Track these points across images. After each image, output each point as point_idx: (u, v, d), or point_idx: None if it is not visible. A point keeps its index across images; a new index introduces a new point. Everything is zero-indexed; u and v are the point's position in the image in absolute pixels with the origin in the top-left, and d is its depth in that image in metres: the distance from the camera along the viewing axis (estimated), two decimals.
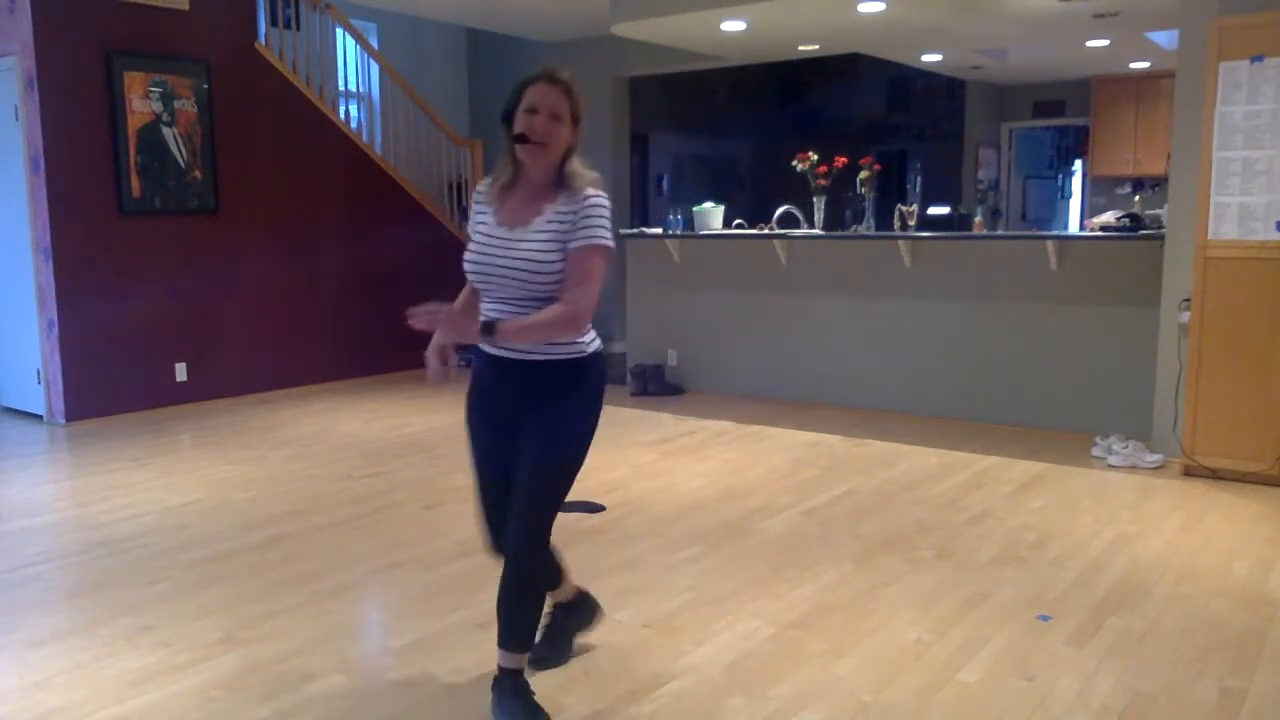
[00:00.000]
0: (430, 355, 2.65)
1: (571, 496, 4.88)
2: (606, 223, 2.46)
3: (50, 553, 3.92)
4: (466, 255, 2.54)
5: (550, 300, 2.43)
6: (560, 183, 2.46)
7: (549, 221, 2.43)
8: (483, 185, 2.60)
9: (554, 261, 2.42)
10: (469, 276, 2.56)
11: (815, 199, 6.78)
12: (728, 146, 12.52)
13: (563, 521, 4.21)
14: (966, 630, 3.11)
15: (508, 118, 2.45)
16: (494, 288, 2.49)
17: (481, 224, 2.54)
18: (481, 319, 2.47)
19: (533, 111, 2.41)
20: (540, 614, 2.63)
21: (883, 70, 10.75)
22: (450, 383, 2.64)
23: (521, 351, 2.50)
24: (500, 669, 2.57)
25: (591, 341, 2.57)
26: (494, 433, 2.61)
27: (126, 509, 4.49)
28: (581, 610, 2.95)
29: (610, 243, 2.47)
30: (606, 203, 2.47)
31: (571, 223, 2.42)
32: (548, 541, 2.61)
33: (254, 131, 7.13)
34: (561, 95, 2.43)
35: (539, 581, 2.63)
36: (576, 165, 2.48)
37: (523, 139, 2.42)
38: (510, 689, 2.55)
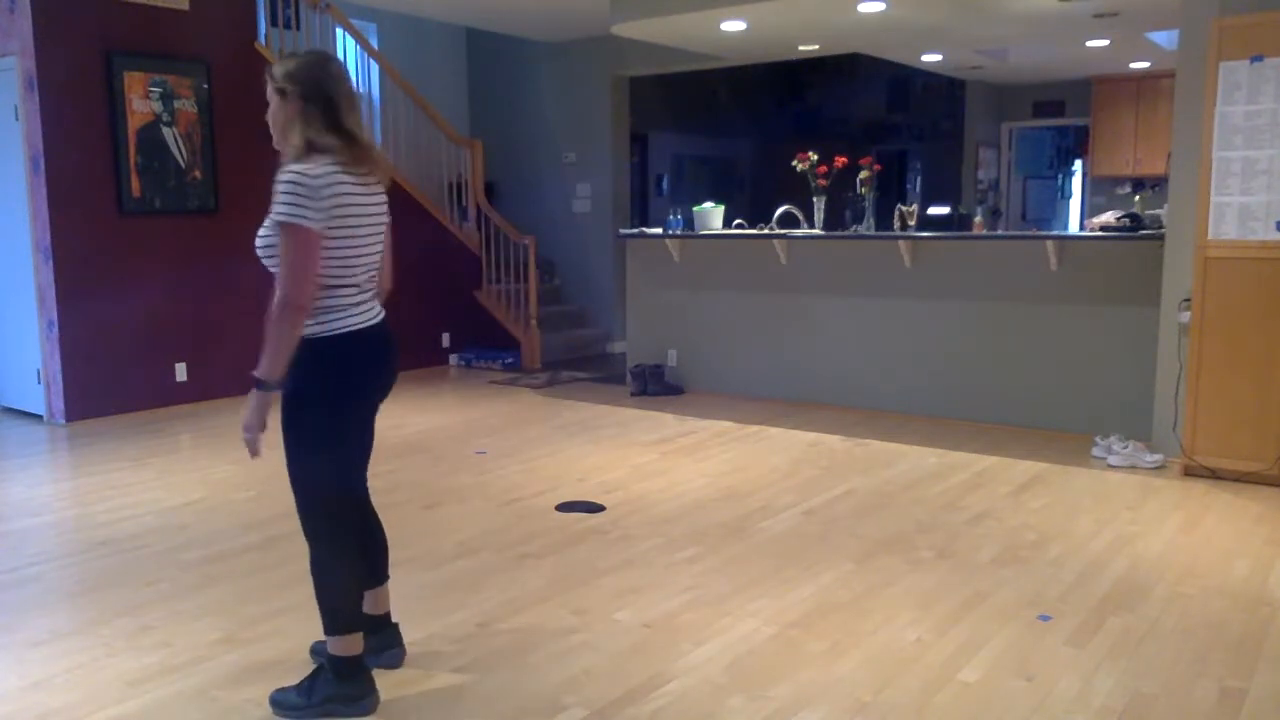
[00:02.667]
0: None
1: (572, 496, 4.89)
2: (287, 198, 2.40)
3: (50, 553, 3.92)
4: None
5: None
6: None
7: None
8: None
9: (271, 242, 2.47)
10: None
11: (815, 199, 6.78)
12: (728, 146, 12.52)
13: (563, 521, 4.23)
14: (966, 630, 3.11)
15: None
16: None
17: None
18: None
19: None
20: (336, 601, 2.63)
21: (883, 70, 10.75)
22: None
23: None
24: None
25: (311, 325, 2.50)
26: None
27: (126, 509, 4.49)
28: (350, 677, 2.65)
29: (292, 219, 2.40)
30: (297, 179, 2.41)
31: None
32: (321, 527, 2.66)
33: (254, 131, 7.05)
34: (268, 79, 2.54)
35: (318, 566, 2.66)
36: (295, 140, 2.49)
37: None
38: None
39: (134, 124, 6.42)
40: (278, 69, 2.53)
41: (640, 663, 2.90)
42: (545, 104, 9.67)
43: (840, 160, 6.82)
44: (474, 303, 8.85)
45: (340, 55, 8.24)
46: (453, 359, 8.68)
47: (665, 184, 11.59)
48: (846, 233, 6.74)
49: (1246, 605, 3.31)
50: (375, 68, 8.32)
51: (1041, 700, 2.67)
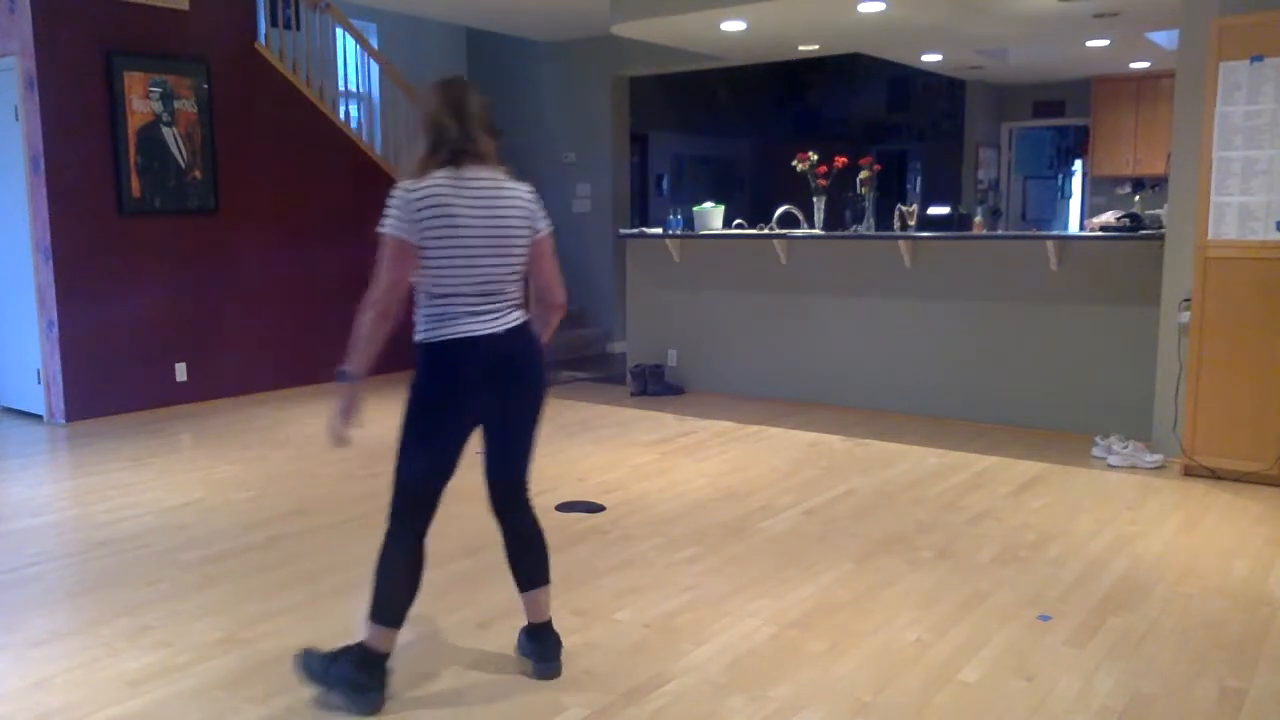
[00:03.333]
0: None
1: (572, 496, 4.88)
2: (388, 210, 2.58)
3: (50, 553, 3.92)
4: None
5: (417, 294, 2.67)
6: None
7: None
8: None
9: None
10: None
11: (815, 199, 6.78)
12: (728, 146, 12.52)
13: (563, 521, 4.23)
14: (966, 630, 3.11)
15: None
16: None
17: None
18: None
19: None
20: (389, 589, 2.68)
21: (883, 70, 10.77)
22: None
23: None
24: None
25: (419, 332, 2.67)
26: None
27: (126, 509, 4.49)
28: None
29: (381, 229, 2.58)
30: (396, 193, 2.60)
31: None
32: (393, 511, 2.72)
33: (254, 131, 7.13)
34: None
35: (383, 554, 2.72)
36: (407, 166, 2.67)
37: None
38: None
39: (134, 124, 6.42)
40: (417, 105, 2.75)
41: (640, 663, 2.90)
42: (545, 104, 9.67)
43: (840, 160, 6.82)
44: None
45: (340, 55, 8.25)
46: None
47: (665, 184, 11.59)
48: (846, 233, 6.74)
49: (1246, 605, 3.31)
50: (375, 68, 8.32)
51: (1041, 700, 2.67)
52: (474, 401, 2.69)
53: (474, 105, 2.71)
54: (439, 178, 2.57)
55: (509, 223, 2.65)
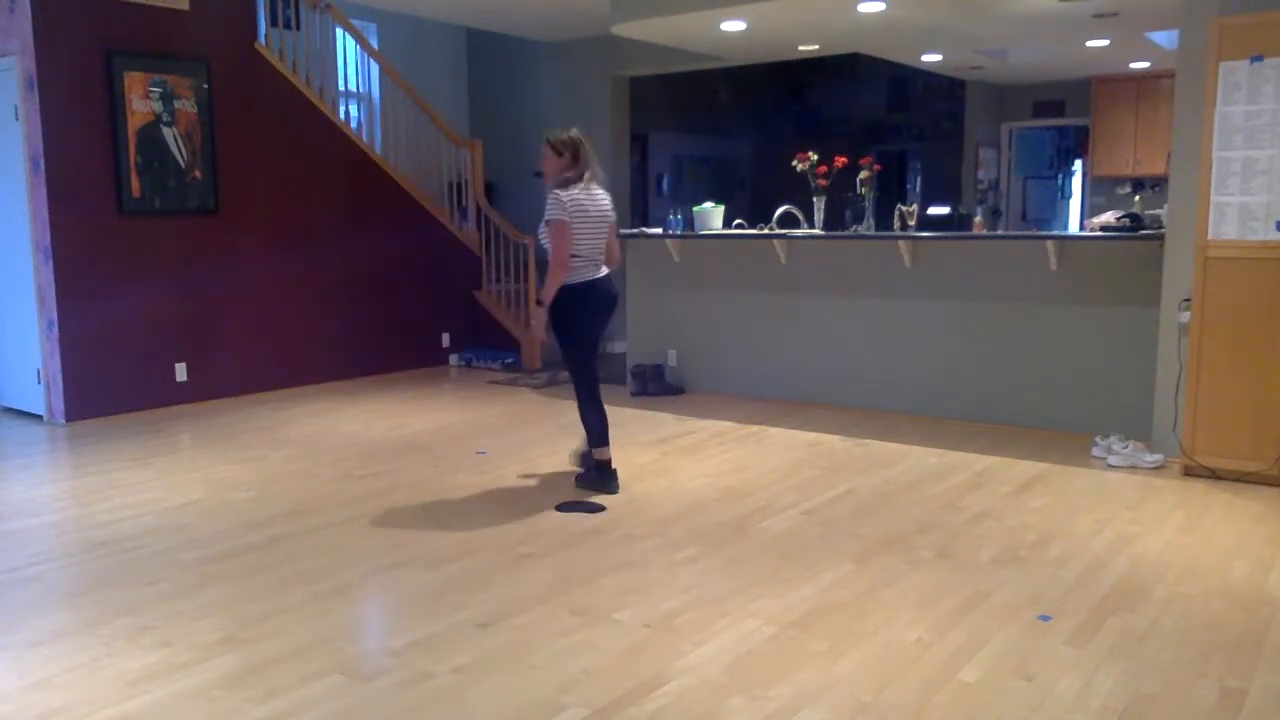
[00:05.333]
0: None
1: (572, 496, 4.90)
2: (549, 206, 4.50)
3: (50, 553, 3.92)
4: None
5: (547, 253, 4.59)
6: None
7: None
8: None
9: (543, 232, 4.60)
10: None
11: (815, 199, 6.78)
12: (728, 146, 12.52)
13: (563, 521, 4.24)
14: (966, 630, 3.11)
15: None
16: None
17: None
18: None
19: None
20: (595, 423, 4.71)
21: (883, 70, 10.76)
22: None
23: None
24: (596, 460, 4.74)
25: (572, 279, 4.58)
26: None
27: (126, 509, 4.49)
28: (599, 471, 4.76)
29: (552, 216, 4.48)
30: (553, 195, 4.50)
31: None
32: (580, 381, 4.75)
33: (254, 131, 7.13)
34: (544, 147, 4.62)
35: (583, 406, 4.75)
36: (562, 178, 4.55)
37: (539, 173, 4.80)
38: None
39: (134, 124, 6.42)
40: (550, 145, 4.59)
41: (640, 663, 2.90)
42: (545, 104, 9.67)
43: (840, 160, 6.82)
44: (474, 303, 8.85)
45: (340, 55, 8.25)
46: (453, 359, 8.68)
47: (665, 184, 11.59)
48: (846, 233, 6.73)
49: (1246, 605, 3.31)
50: (375, 68, 8.32)
51: (1041, 700, 2.67)
52: (596, 315, 4.67)
53: (590, 146, 4.60)
54: (575, 189, 4.50)
55: (604, 214, 4.63)
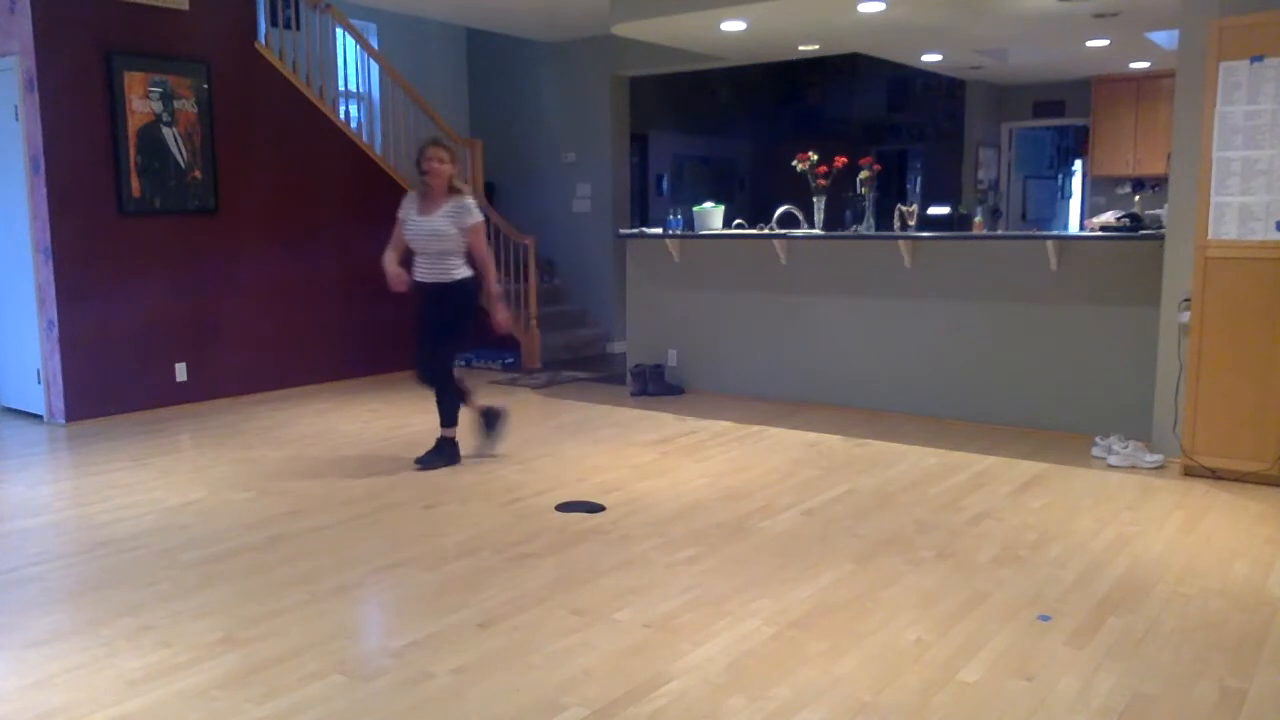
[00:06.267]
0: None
1: (572, 496, 4.90)
2: (469, 209, 5.02)
3: (50, 553, 3.92)
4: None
5: (446, 253, 5.01)
6: (449, 192, 5.03)
7: (445, 214, 5.00)
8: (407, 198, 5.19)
9: (452, 234, 5.00)
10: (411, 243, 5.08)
11: (815, 199, 6.78)
12: (728, 146, 12.52)
13: (563, 521, 4.24)
14: (966, 630, 3.11)
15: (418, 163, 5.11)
16: (419, 246, 5.04)
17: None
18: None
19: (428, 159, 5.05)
20: (450, 408, 5.19)
21: (883, 70, 10.76)
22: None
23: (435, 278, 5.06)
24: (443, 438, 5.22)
25: (467, 274, 5.09)
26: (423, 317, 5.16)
27: (126, 509, 4.49)
28: (490, 414, 5.43)
29: (475, 220, 5.02)
30: (466, 201, 5.03)
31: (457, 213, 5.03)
32: (452, 366, 5.23)
33: (254, 131, 7.13)
34: (440, 150, 5.05)
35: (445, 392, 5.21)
36: (456, 184, 5.07)
37: (423, 173, 5.05)
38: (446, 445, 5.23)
39: (134, 124, 6.42)
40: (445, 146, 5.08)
41: (640, 663, 2.90)
42: (545, 104, 9.67)
43: (840, 160, 6.82)
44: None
45: (340, 55, 8.25)
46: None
47: (665, 184, 11.59)
48: (846, 233, 6.74)
49: (1246, 605, 3.31)
50: (375, 68, 8.32)
51: (1041, 700, 2.67)
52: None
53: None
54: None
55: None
